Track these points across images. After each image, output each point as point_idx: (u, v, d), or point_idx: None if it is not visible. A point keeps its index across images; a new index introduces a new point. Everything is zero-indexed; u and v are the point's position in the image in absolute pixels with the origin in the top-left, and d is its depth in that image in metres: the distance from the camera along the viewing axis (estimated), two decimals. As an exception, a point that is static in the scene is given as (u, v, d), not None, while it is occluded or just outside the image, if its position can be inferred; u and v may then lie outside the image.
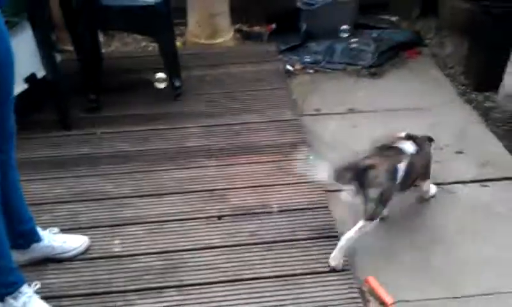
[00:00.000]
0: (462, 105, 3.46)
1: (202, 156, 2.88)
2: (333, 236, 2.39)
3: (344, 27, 3.54)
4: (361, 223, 2.22)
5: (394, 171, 2.26)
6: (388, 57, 3.88)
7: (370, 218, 2.22)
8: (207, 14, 3.87)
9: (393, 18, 4.38)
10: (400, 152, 2.35)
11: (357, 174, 2.22)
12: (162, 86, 3.20)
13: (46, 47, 2.90)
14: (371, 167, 2.23)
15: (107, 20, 3.14)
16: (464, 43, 4.01)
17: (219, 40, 3.98)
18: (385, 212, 2.43)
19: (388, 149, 2.39)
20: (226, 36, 4.03)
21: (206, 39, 3.96)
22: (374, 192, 2.20)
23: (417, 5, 4.39)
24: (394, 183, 2.27)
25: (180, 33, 4.12)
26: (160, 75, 3.20)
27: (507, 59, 3.34)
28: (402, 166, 2.29)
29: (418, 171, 2.47)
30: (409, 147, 2.39)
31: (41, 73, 2.98)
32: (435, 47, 4.10)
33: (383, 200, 2.23)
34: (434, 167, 2.88)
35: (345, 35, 3.66)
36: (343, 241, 2.24)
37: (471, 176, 2.87)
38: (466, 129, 3.23)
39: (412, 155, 2.37)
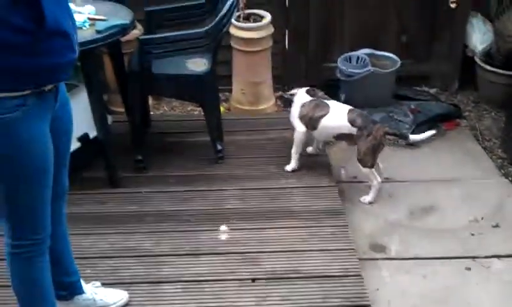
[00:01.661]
0: (499, 179, 3.47)
1: (238, 218, 2.98)
2: (365, 305, 2.42)
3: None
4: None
5: None
6: (426, 129, 3.92)
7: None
8: (250, 82, 4.05)
9: (432, 90, 4.45)
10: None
11: None
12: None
13: (99, 109, 3.08)
14: None
15: (156, 86, 3.30)
16: (501, 117, 4.05)
17: (261, 107, 4.14)
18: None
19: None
20: (268, 103, 4.18)
21: (249, 105, 4.12)
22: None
23: (456, 78, 4.46)
24: None
25: (225, 99, 4.30)
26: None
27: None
28: None
29: None
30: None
31: (93, 133, 3.16)
32: (473, 119, 4.13)
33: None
34: (470, 240, 2.91)
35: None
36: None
37: (507, 251, 2.86)
38: (503, 203, 3.23)
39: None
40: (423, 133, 3.35)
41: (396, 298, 2.57)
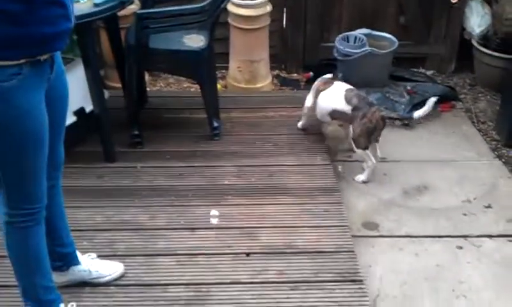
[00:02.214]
0: (492, 160, 3.50)
1: (235, 194, 3.00)
2: (357, 280, 2.46)
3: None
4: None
5: None
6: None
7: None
8: (247, 60, 4.05)
9: (429, 72, 4.47)
10: None
11: None
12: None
13: (95, 83, 3.07)
14: None
15: (153, 61, 3.30)
16: (497, 100, 4.08)
17: (258, 85, 4.14)
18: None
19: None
20: (265, 82, 4.18)
21: (245, 83, 4.12)
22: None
23: (453, 60, 4.47)
24: None
25: (222, 76, 4.31)
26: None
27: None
28: None
29: None
30: None
31: (89, 107, 3.16)
32: (469, 102, 4.16)
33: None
34: (462, 220, 2.95)
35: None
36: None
37: (498, 231, 2.90)
38: (495, 184, 3.27)
39: None
40: (424, 107, 3.34)
41: (388, 274, 2.61)
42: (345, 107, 3.19)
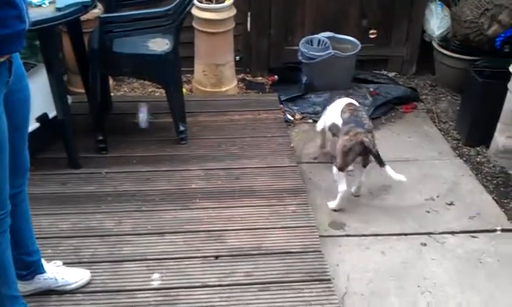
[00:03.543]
0: (454, 159, 3.59)
1: (202, 198, 3.00)
2: (325, 279, 2.49)
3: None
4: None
5: None
6: (385, 111, 4.04)
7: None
8: (212, 64, 4.05)
9: (391, 74, 4.56)
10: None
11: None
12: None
13: (59, 89, 3.03)
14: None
15: (117, 66, 3.26)
16: (457, 100, 4.19)
17: (223, 89, 4.14)
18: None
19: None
20: (230, 85, 4.19)
21: (211, 87, 4.12)
22: None
23: (414, 62, 4.57)
24: None
25: (187, 80, 4.29)
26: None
27: (498, 116, 3.49)
28: None
29: None
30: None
31: (52, 113, 3.11)
32: (430, 102, 4.25)
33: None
34: (425, 218, 3.01)
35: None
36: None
37: (461, 227, 2.98)
38: (457, 182, 3.35)
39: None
40: (398, 174, 2.98)
41: (355, 273, 2.65)
42: (339, 121, 3.08)
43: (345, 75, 4.19)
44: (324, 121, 3.34)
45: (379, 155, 2.95)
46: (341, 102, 3.21)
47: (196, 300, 2.37)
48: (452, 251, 2.81)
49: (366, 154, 2.98)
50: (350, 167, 3.09)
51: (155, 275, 2.45)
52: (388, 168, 2.96)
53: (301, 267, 2.55)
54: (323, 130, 3.40)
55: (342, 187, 2.99)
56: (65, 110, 3.09)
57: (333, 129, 3.22)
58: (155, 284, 2.42)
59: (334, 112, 3.18)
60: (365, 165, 3.08)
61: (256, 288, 2.43)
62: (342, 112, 3.11)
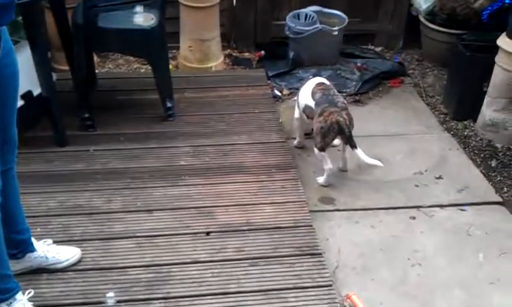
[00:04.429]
0: (442, 133, 3.61)
1: (191, 174, 2.98)
2: (316, 254, 2.50)
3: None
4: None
5: None
6: (372, 86, 4.03)
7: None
8: (198, 39, 4.00)
9: (378, 49, 4.54)
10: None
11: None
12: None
13: (43, 66, 2.97)
14: None
15: (102, 42, 3.21)
16: (444, 74, 4.20)
17: (209, 65, 4.10)
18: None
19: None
20: (217, 61, 4.15)
21: (197, 63, 4.08)
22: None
23: (401, 37, 4.56)
24: None
25: (173, 56, 4.24)
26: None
27: (485, 90, 3.51)
28: None
29: None
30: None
31: (37, 90, 3.06)
32: (417, 77, 4.26)
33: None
34: (414, 191, 3.03)
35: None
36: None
37: (449, 200, 3.00)
38: (445, 155, 3.37)
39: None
40: (371, 159, 2.97)
41: (345, 247, 2.66)
42: (311, 102, 3.05)
43: (332, 50, 4.17)
44: (298, 104, 3.26)
45: (351, 136, 2.92)
46: (311, 83, 3.17)
47: (188, 276, 2.37)
48: (441, 224, 2.84)
49: (337, 133, 2.95)
50: (336, 142, 3.10)
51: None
52: (359, 151, 2.93)
53: (291, 241, 2.56)
54: (300, 118, 3.25)
55: (327, 165, 3.02)
56: (50, 87, 3.04)
57: (307, 111, 3.13)
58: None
59: (305, 94, 3.13)
60: (346, 143, 3.02)
61: (247, 263, 2.44)
62: (313, 93, 3.07)
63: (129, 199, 2.79)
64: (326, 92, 3.04)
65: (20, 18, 2.94)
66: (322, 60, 4.05)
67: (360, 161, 2.99)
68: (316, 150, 3.01)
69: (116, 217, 2.68)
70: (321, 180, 3.08)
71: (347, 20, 4.10)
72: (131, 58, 4.27)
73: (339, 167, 3.18)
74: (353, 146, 2.93)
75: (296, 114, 3.30)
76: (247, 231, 2.62)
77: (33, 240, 2.29)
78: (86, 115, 3.27)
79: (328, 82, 3.19)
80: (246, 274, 2.39)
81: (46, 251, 2.32)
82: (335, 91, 3.12)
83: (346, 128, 2.90)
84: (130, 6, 3.13)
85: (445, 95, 3.96)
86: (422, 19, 4.34)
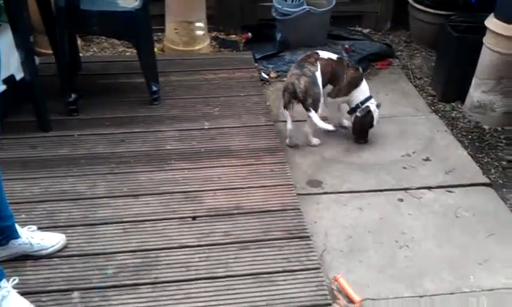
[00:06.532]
0: (430, 115, 3.60)
1: (178, 159, 2.95)
2: (304, 237, 2.48)
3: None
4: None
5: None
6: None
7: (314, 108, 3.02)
8: (184, 21, 3.94)
9: (366, 30, 4.51)
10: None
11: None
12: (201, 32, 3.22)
13: (25, 50, 2.91)
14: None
15: (86, 24, 3.15)
16: (432, 56, 4.18)
17: (196, 47, 4.05)
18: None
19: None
20: (203, 44, 4.10)
21: (183, 46, 4.02)
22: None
23: (389, 18, 4.54)
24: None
25: (158, 39, 4.18)
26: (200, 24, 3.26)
27: (473, 71, 3.50)
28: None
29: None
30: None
31: (19, 75, 3.00)
32: (405, 58, 4.24)
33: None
34: (402, 173, 3.02)
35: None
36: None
37: (437, 182, 3.00)
38: (433, 137, 3.37)
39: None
40: (324, 123, 3.08)
41: (333, 229, 2.65)
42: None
43: (320, 32, 4.13)
44: None
45: (305, 100, 3.03)
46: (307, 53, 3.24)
47: (176, 260, 2.34)
48: (429, 206, 2.83)
49: (289, 94, 3.07)
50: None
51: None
52: (312, 114, 3.03)
53: (279, 225, 2.54)
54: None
55: (288, 125, 3.18)
56: (33, 71, 2.98)
57: None
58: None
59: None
60: (303, 106, 3.08)
61: (235, 247, 2.42)
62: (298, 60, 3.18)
63: (114, 184, 2.75)
64: (303, 58, 3.13)
65: (1, 1, 2.88)
66: (310, 42, 4.01)
67: (313, 125, 3.10)
68: (281, 108, 3.20)
69: (101, 202, 2.64)
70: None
71: (334, 2, 4.07)
72: (116, 41, 4.21)
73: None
74: (307, 109, 3.05)
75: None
76: (235, 215, 2.59)
77: (17, 226, 2.25)
78: (70, 99, 3.22)
79: (329, 56, 3.20)
80: (235, 258, 2.37)
81: (30, 237, 2.28)
82: (333, 63, 3.16)
83: (300, 93, 3.02)
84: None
85: (433, 77, 3.94)
86: (410, 0, 4.30)
